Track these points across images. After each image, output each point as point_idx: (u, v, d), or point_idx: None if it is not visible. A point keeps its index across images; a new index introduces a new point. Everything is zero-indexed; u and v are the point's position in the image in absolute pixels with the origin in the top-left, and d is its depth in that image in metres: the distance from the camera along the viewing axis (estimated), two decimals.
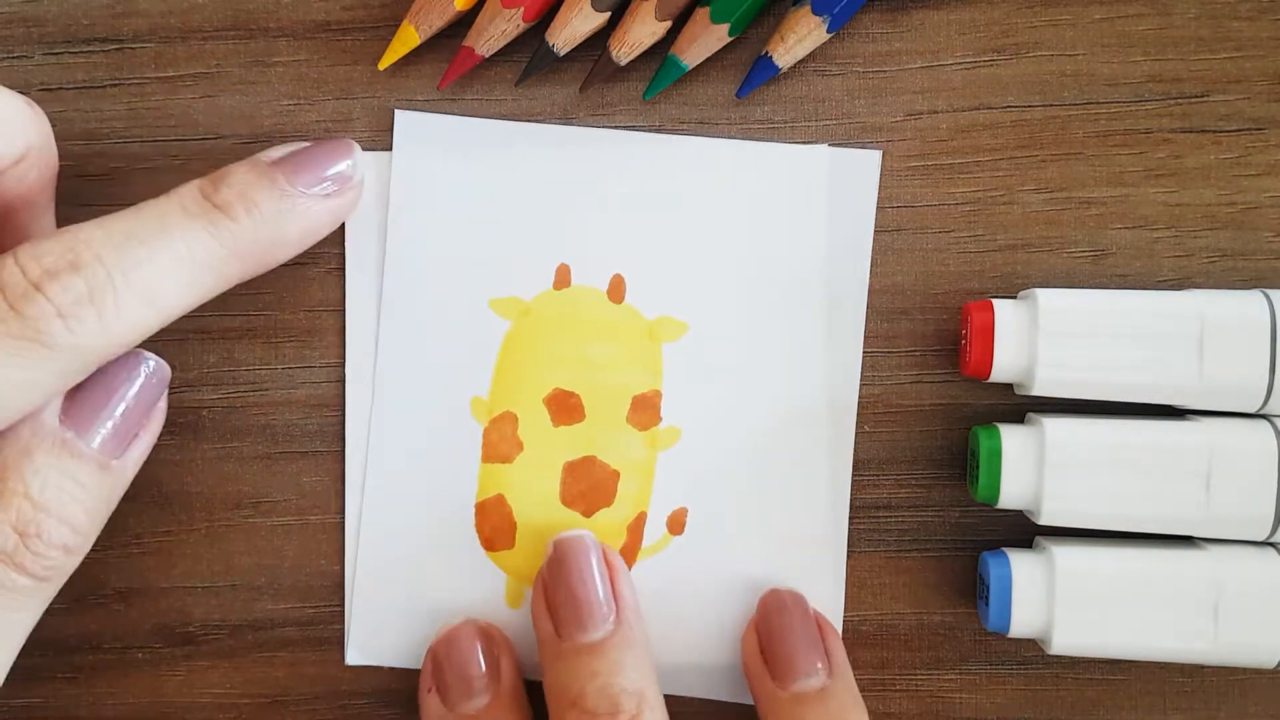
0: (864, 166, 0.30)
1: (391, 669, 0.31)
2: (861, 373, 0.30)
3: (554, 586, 0.28)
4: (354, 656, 0.31)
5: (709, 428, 0.30)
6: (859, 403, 0.30)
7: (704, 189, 0.30)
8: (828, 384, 0.30)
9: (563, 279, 0.31)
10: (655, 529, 0.30)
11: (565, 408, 0.30)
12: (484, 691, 0.28)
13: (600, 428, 0.30)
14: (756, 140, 0.30)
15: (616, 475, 0.30)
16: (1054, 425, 0.27)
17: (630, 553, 0.30)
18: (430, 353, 0.30)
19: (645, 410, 0.30)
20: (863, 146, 0.30)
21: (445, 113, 0.30)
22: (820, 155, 0.30)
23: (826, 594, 0.30)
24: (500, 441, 0.30)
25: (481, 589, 0.30)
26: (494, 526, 0.30)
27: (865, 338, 0.30)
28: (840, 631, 0.30)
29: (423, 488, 0.30)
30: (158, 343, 0.30)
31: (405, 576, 0.30)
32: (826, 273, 0.30)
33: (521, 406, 0.30)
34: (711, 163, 0.30)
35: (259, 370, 0.31)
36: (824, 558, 0.30)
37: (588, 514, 0.30)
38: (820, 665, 0.28)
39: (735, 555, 0.30)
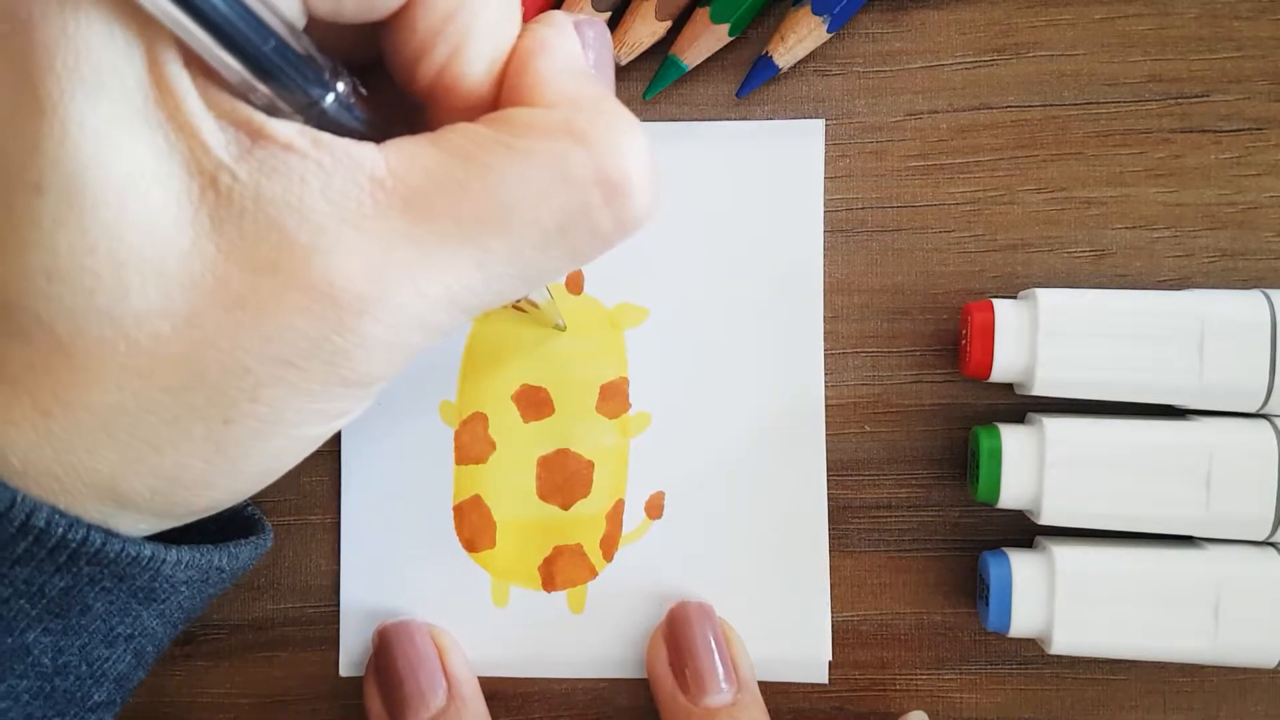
0: (808, 136, 0.30)
1: None
2: (861, 373, 0.30)
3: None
4: (347, 668, 0.31)
5: (679, 410, 0.30)
6: (858, 402, 0.30)
7: None
8: (792, 356, 0.30)
9: None
10: (634, 515, 0.30)
11: (534, 403, 0.30)
12: (440, 695, 0.29)
13: (571, 419, 0.30)
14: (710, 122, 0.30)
15: (591, 465, 0.30)
16: (1054, 425, 0.27)
17: (610, 541, 0.30)
18: None
19: (614, 398, 0.30)
20: (860, 141, 0.30)
21: None
22: (763, 130, 0.30)
23: (810, 565, 0.30)
24: (472, 443, 0.31)
25: (466, 591, 0.30)
26: (473, 527, 0.30)
27: (865, 337, 0.30)
28: (830, 621, 0.30)
29: (399, 496, 0.31)
30: None
31: (390, 586, 0.31)
32: (780, 246, 0.30)
33: (490, 406, 0.31)
34: (656, 146, 0.30)
35: None
36: (805, 530, 0.30)
37: (565, 506, 0.30)
38: (727, 684, 0.28)
39: (715, 536, 0.30)
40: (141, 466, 0.19)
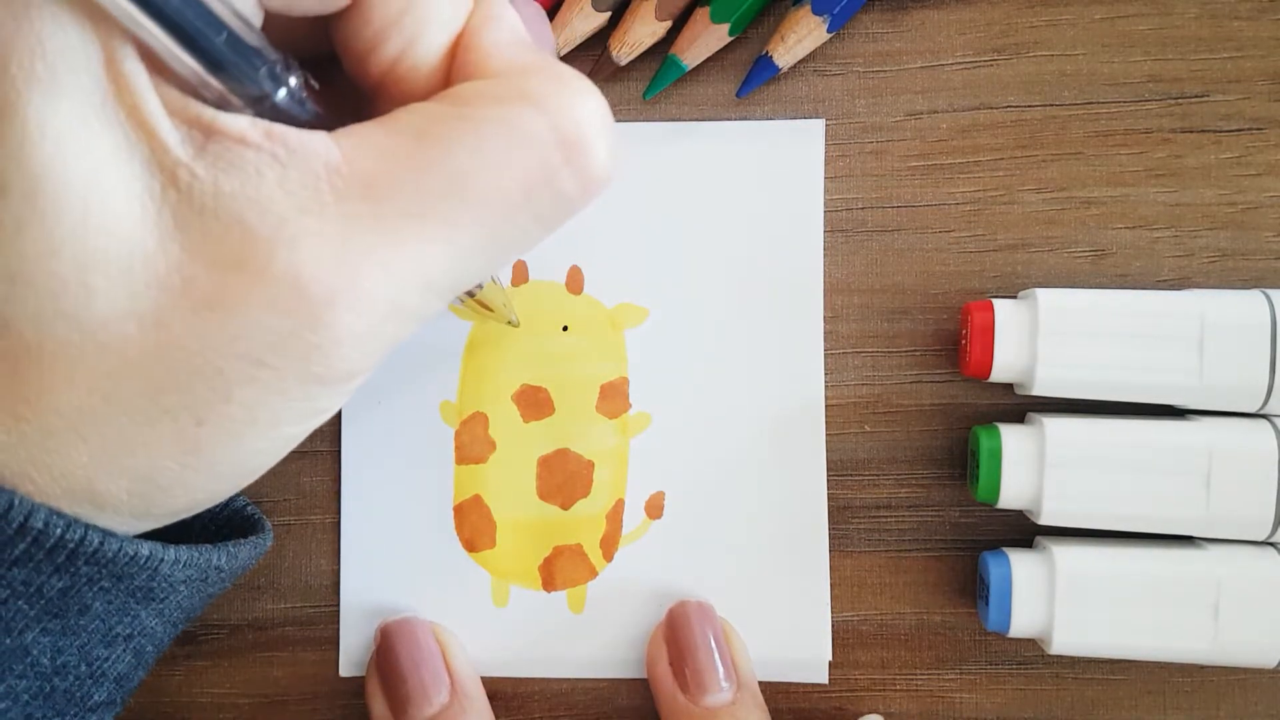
0: (808, 136, 0.30)
1: None
2: (861, 373, 0.30)
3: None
4: (347, 668, 0.31)
5: (679, 410, 0.30)
6: (858, 402, 0.30)
7: (652, 173, 0.30)
8: (792, 356, 0.30)
9: (520, 275, 0.31)
10: (634, 515, 0.30)
11: (534, 403, 0.31)
12: (443, 692, 0.29)
13: (571, 419, 0.30)
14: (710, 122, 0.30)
15: (591, 465, 0.30)
16: (1054, 425, 0.27)
17: (610, 541, 0.30)
18: (395, 361, 0.30)
19: (614, 398, 0.30)
20: (860, 141, 0.30)
21: None
22: (763, 130, 0.30)
23: (810, 565, 0.30)
24: (472, 442, 0.31)
25: (467, 591, 0.30)
26: (474, 527, 0.30)
27: (865, 337, 0.30)
28: (830, 620, 0.30)
29: (399, 496, 0.31)
30: None
31: (390, 585, 0.31)
32: (780, 246, 0.30)
33: (491, 406, 0.31)
34: (656, 147, 0.30)
35: None
36: (805, 530, 0.30)
37: (565, 506, 0.30)
38: (727, 683, 0.28)
39: (715, 536, 0.30)
40: (116, 468, 0.19)
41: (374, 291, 0.19)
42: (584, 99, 0.20)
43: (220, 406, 0.19)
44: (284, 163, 0.18)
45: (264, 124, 0.19)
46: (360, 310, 0.19)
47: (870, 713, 0.30)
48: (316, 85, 0.20)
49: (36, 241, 0.18)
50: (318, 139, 0.19)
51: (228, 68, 0.18)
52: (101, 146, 0.18)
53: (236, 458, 0.20)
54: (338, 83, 0.22)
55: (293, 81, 0.19)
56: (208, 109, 0.18)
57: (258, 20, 0.19)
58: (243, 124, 0.18)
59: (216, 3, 0.18)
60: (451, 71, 0.21)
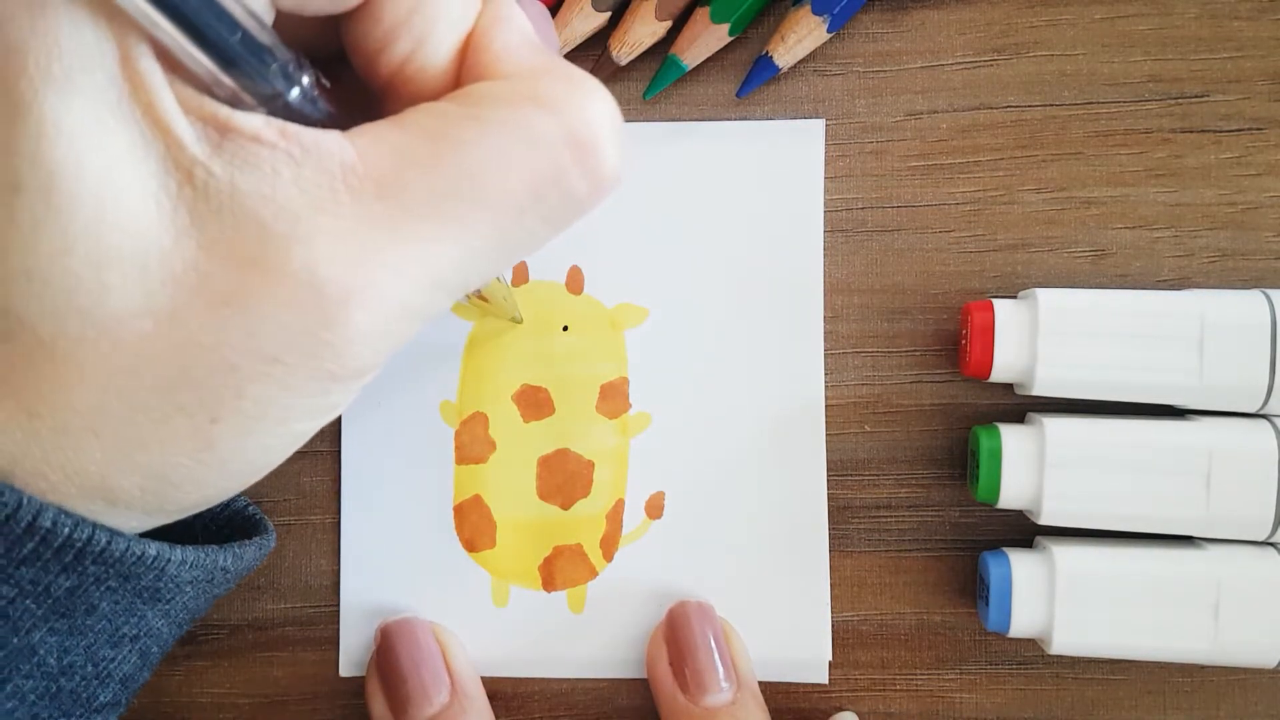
0: (808, 136, 0.30)
1: None
2: (861, 373, 0.30)
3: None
4: (347, 668, 0.31)
5: (679, 410, 0.30)
6: (858, 402, 0.30)
7: (652, 173, 0.30)
8: (792, 356, 0.30)
9: (520, 275, 0.31)
10: (634, 515, 0.30)
11: (534, 403, 0.31)
12: (443, 692, 0.29)
13: (571, 419, 0.30)
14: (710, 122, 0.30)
15: (591, 465, 0.30)
16: (1054, 425, 0.27)
17: (611, 541, 0.30)
18: (396, 361, 0.30)
19: (614, 398, 0.30)
20: (860, 141, 0.30)
21: None
22: (763, 130, 0.30)
23: (810, 565, 0.30)
24: (472, 442, 0.31)
25: (467, 591, 0.30)
26: (474, 527, 0.31)
27: (865, 337, 0.30)
28: (830, 620, 0.30)
29: (399, 496, 0.31)
30: None
31: (390, 585, 0.31)
32: (780, 246, 0.30)
33: (491, 406, 0.31)
34: (656, 147, 0.30)
35: None
36: (805, 530, 0.30)
37: (565, 506, 0.30)
38: (727, 683, 0.28)
39: (715, 536, 0.30)
40: (130, 465, 0.19)
41: (387, 290, 0.19)
42: (594, 100, 0.20)
43: (233, 403, 0.19)
44: (299, 161, 0.18)
45: (278, 122, 0.19)
46: (373, 309, 0.19)
47: (867, 712, 0.30)
48: (328, 84, 0.20)
49: (51, 238, 0.18)
50: (332, 138, 0.19)
51: (241, 66, 0.18)
52: (117, 144, 0.18)
53: (247, 454, 0.20)
54: (346, 82, 0.22)
55: (305, 80, 0.19)
56: (223, 107, 0.18)
57: (269, 19, 0.19)
58: (257, 122, 0.18)
59: (230, 1, 0.18)
60: (461, 72, 0.21)
